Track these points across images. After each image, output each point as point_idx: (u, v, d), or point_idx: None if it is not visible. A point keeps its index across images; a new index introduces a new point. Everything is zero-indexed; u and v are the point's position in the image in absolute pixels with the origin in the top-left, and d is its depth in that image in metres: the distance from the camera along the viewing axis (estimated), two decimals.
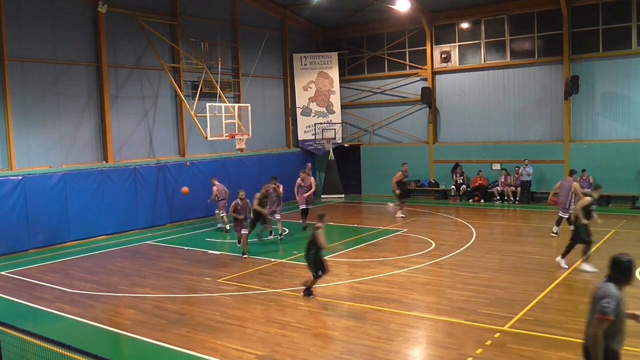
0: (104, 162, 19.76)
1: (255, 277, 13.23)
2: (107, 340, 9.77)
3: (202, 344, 9.09)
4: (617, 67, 22.61)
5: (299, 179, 19.64)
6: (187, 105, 21.06)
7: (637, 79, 22.21)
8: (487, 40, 25.38)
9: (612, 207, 22.06)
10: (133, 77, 20.97)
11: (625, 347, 8.23)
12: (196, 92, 21.56)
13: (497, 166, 24.87)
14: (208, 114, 19.85)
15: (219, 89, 21.59)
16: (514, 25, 24.72)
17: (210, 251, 16.34)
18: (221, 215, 19.70)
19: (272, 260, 14.86)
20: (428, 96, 26.14)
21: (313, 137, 27.94)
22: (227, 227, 19.31)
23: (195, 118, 20.40)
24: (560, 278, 12.26)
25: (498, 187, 24.44)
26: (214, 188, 19.84)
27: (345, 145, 28.43)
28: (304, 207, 19.46)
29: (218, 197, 19.72)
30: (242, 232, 15.61)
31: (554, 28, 23.60)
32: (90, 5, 19.33)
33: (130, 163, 20.32)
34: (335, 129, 27.86)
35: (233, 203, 16.11)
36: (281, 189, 18.28)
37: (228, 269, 14.11)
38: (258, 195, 17.14)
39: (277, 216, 18.09)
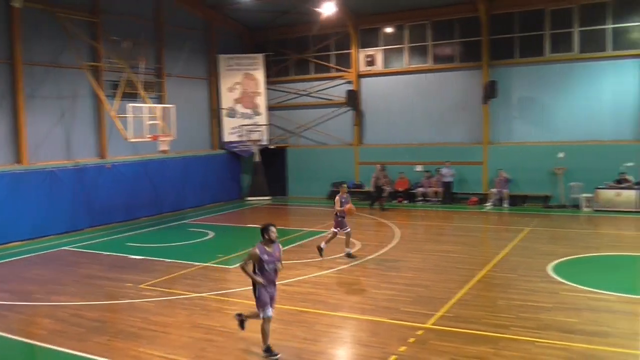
0: (18, 164, 18.85)
1: (179, 282, 12.96)
2: (21, 353, 9.30)
3: (123, 352, 8.82)
4: (532, 73, 23.73)
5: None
6: (107, 106, 20.41)
7: (550, 85, 23.42)
8: (410, 45, 26.00)
9: (527, 206, 23.06)
10: (50, 76, 20.08)
11: (534, 339, 8.64)
12: (118, 92, 20.93)
13: (419, 168, 25.48)
14: (129, 115, 19.31)
15: (140, 89, 21.06)
16: (436, 31, 25.45)
17: (131, 256, 15.87)
18: None
19: (197, 264, 14.61)
20: (353, 99, 26.50)
21: (239, 139, 27.71)
22: None
23: (115, 119, 19.79)
24: (480, 275, 12.68)
25: (421, 188, 25.05)
26: None
27: (272, 147, 28.37)
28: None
29: None
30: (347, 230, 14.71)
31: (474, 34, 24.47)
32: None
33: (47, 165, 19.46)
34: (261, 131, 27.74)
35: (337, 197, 14.77)
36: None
37: (150, 274, 13.75)
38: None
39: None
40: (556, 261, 13.74)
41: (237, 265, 8.31)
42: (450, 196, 24.49)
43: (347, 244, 14.94)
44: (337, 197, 14.92)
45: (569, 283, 11.86)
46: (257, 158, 27.46)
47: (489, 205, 23.36)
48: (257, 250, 8.36)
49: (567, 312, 10.02)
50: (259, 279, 8.33)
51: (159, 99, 23.65)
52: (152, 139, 20.18)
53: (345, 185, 15.49)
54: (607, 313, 9.97)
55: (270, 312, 8.38)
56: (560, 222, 19.87)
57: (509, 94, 24.08)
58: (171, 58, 24.77)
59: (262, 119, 28.10)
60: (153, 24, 24.08)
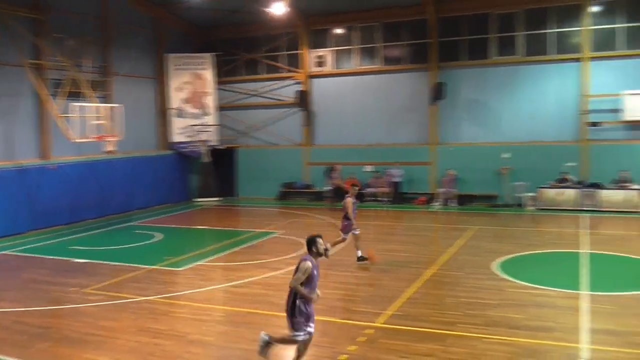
0: None
1: (125, 285, 12.67)
2: None
3: (68, 359, 8.55)
4: (479, 75, 24.30)
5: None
6: (51, 105, 19.80)
7: (496, 87, 24.03)
8: (360, 46, 26.21)
9: (474, 205, 23.56)
10: None
11: (481, 335, 8.82)
12: (62, 91, 20.32)
13: (369, 168, 25.68)
14: (74, 115, 18.79)
15: (86, 88, 20.52)
16: (385, 32, 25.73)
17: (76, 259, 15.44)
18: None
19: (144, 266, 14.33)
20: (303, 99, 26.53)
21: (187, 139, 27.33)
22: None
23: (59, 118, 19.22)
24: (428, 274, 12.86)
25: (371, 189, 25.26)
26: None
27: (221, 147, 28.10)
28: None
29: None
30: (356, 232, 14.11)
31: (423, 37, 24.86)
32: None
33: None
34: (210, 131, 27.44)
35: (349, 200, 13.99)
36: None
37: (96, 277, 13.40)
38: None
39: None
40: (502, 259, 14.07)
41: (292, 283, 7.45)
42: (399, 196, 24.78)
43: (357, 247, 14.08)
44: (347, 199, 13.96)
45: (514, 280, 12.16)
46: (206, 159, 27.15)
47: (437, 204, 23.75)
48: (310, 264, 7.52)
49: (513, 309, 10.27)
50: (313, 295, 7.61)
51: (106, 99, 23.08)
52: (97, 140, 19.69)
53: (357, 188, 14.48)
54: (550, 308, 10.26)
55: (312, 329, 7.65)
56: (506, 221, 20.38)
57: (457, 96, 24.55)
58: (118, 57, 24.23)
59: (211, 119, 27.80)
60: (99, 21, 23.50)
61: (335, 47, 26.73)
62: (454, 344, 8.66)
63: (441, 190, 23.94)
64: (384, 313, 10.15)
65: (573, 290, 11.28)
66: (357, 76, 26.34)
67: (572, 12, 22.82)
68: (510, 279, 12.30)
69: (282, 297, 11.42)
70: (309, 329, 7.60)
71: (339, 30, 26.70)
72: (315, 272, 7.59)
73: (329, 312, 10.37)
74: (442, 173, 24.23)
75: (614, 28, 22.40)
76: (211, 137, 27.49)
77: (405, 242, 17.04)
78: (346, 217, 14.10)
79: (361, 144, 26.16)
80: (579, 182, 22.34)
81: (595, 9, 22.63)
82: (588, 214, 20.91)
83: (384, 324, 9.65)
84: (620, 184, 21.64)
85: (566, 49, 23.06)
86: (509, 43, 23.80)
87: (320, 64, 26.86)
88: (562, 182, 22.42)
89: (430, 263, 13.90)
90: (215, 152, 27.60)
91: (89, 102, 20.02)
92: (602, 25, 22.56)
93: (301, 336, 7.57)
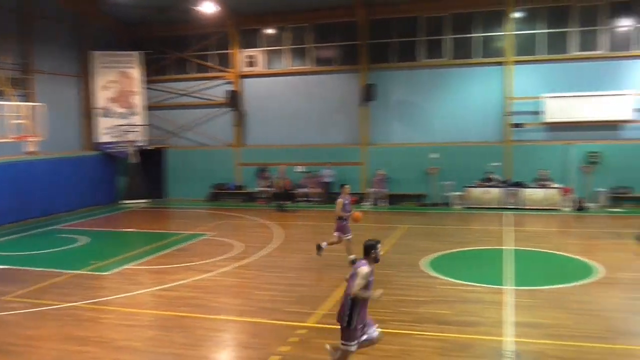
0: None
1: (48, 292, 12.15)
2: None
3: None
4: (408, 77, 24.80)
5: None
6: None
7: (424, 89, 24.61)
8: (292, 47, 26.22)
9: (404, 204, 24.01)
10: None
11: (411, 332, 8.97)
12: None
13: (300, 168, 25.73)
14: None
15: (4, 86, 19.59)
16: (316, 33, 25.84)
17: None
18: None
19: (68, 272, 13.78)
20: (234, 99, 26.29)
21: (114, 140, 26.53)
22: None
23: None
24: None
25: (303, 189, 25.31)
26: None
27: (150, 148, 27.44)
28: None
29: None
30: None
31: (353, 38, 25.12)
32: None
33: None
34: (138, 131, 26.74)
35: (340, 200, 13.71)
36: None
37: (17, 284, 12.78)
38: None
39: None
40: (431, 257, 14.39)
41: (353, 291, 6.99)
42: (330, 196, 24.91)
43: (349, 251, 13.81)
44: (339, 200, 13.76)
45: (443, 277, 12.46)
46: (133, 159, 26.43)
47: (367, 204, 24.05)
48: (369, 270, 7.12)
49: (442, 305, 10.52)
50: (373, 293, 7.21)
51: (27, 97, 22.07)
52: (18, 140, 18.81)
53: (348, 187, 14.23)
54: (476, 304, 10.56)
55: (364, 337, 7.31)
56: (434, 220, 20.88)
57: (387, 97, 24.96)
58: (40, 53, 23.23)
59: (139, 119, 27.08)
60: (18, 15, 22.46)
61: (266, 47, 26.64)
62: (386, 341, 8.75)
63: (372, 190, 24.26)
64: (316, 313, 10.17)
65: (498, 285, 11.66)
66: (288, 76, 26.34)
67: (496, 18, 23.64)
68: (440, 276, 12.59)
69: (213, 300, 11.32)
70: (362, 339, 7.28)
71: (269, 31, 26.62)
72: (372, 278, 7.22)
73: (260, 313, 10.30)
74: (372, 173, 24.57)
75: (535, 34, 23.37)
76: (139, 137, 26.79)
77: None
78: (340, 218, 13.92)
79: (293, 144, 26.18)
80: (503, 181, 23.16)
81: (517, 15, 23.53)
82: (512, 212, 21.71)
83: (316, 323, 9.67)
84: (541, 182, 22.58)
85: (491, 53, 23.87)
86: (437, 46, 24.41)
87: (251, 63, 26.69)
88: (487, 181, 23.18)
89: None
90: (143, 152, 26.90)
91: (8, 101, 19.10)
92: (524, 30, 23.48)
93: (354, 346, 7.20)
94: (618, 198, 22.43)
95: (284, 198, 23.95)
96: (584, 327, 9.20)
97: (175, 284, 12.49)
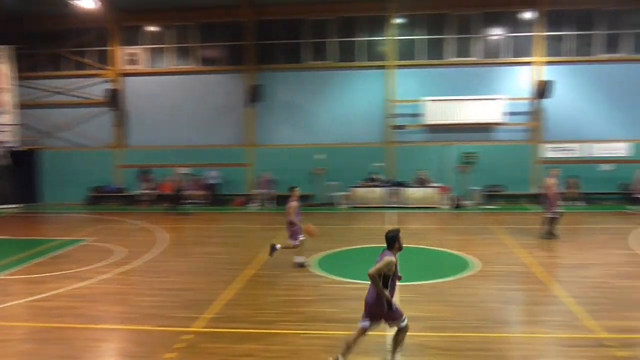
0: None
1: None
2: None
3: None
4: (294, 78, 25.01)
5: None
6: None
7: (310, 91, 24.93)
8: (176, 46, 25.58)
9: None
10: None
11: (299, 331, 9.03)
12: None
13: (185, 170, 25.17)
14: None
15: None
16: (202, 33, 25.39)
17: None
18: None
19: None
20: (114, 99, 25.24)
21: None
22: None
23: None
24: (247, 275, 12.88)
25: (187, 191, 24.71)
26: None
27: (22, 149, 25.66)
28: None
29: None
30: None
31: (240, 39, 24.95)
32: None
33: None
34: (8, 131, 24.91)
35: (292, 204, 13.47)
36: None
37: None
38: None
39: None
40: (318, 256, 14.57)
41: (373, 272, 7.20)
42: (216, 198, 24.60)
43: (299, 252, 13.59)
44: (291, 203, 13.47)
45: (329, 276, 12.64)
46: (3, 162, 24.61)
47: (254, 205, 23.95)
48: (394, 260, 7.31)
49: (329, 303, 10.66)
50: (387, 293, 7.39)
51: None
52: None
53: (298, 189, 13.99)
54: (362, 301, 10.76)
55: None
56: (321, 220, 21.11)
57: (274, 98, 25.02)
58: None
59: (9, 118, 25.22)
60: None
61: (149, 45, 25.81)
62: (274, 342, 8.76)
63: (258, 191, 24.19)
64: (203, 317, 9.96)
65: None
66: (173, 76, 25.69)
67: (379, 23, 24.41)
68: (326, 275, 12.76)
69: (94, 308, 10.76)
70: (404, 318, 7.65)
71: (153, 28, 25.83)
72: (397, 267, 7.44)
73: (144, 320, 9.93)
74: (259, 174, 24.50)
75: (415, 40, 24.37)
76: (9, 137, 24.94)
77: (223, 244, 16.92)
78: (292, 222, 13.56)
79: (177, 145, 25.55)
80: (386, 181, 23.94)
81: (399, 21, 24.42)
82: (394, 211, 22.48)
83: (202, 328, 9.47)
84: (420, 182, 23.57)
85: (374, 57, 24.62)
86: (322, 49, 24.81)
87: (132, 62, 25.75)
88: (371, 182, 23.85)
89: (248, 264, 13.95)
90: (14, 154, 25.09)
91: None
92: (405, 36, 24.41)
93: (405, 320, 7.63)
94: (491, 196, 23.94)
95: (176, 201, 23.16)
96: (462, 318, 9.68)
97: (51, 293, 11.75)
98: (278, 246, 13.69)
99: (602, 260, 13.94)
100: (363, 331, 7.68)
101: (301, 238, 13.53)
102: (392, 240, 7.52)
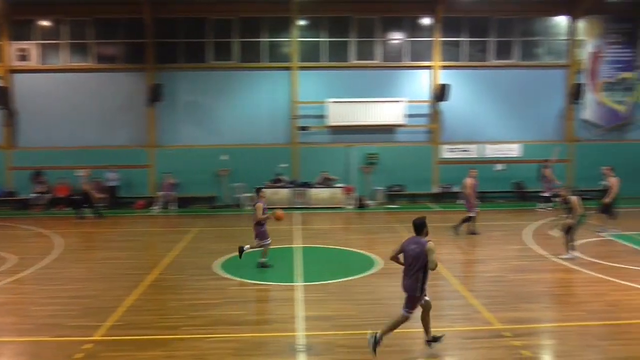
0: None
1: None
2: None
3: None
4: (197, 78, 24.60)
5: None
6: None
7: (214, 91, 24.64)
8: (71, 42, 24.42)
9: (195, 207, 23.76)
10: None
11: (204, 335, 8.87)
12: None
13: (82, 172, 24.01)
14: None
15: None
16: (98, 29, 24.38)
17: None
18: None
19: None
20: (3, 96, 23.73)
21: None
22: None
23: None
24: (150, 279, 12.50)
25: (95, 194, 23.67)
26: None
27: None
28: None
29: None
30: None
31: (139, 36, 24.19)
32: None
33: None
34: None
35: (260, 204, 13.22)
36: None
37: None
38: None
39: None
40: (223, 258, 14.38)
41: (434, 266, 7.98)
42: (115, 201, 23.72)
43: (265, 254, 13.36)
44: (259, 204, 13.16)
45: (235, 278, 12.51)
46: None
47: (156, 208, 23.30)
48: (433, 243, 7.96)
49: (235, 306, 10.53)
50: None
51: None
52: None
53: (265, 191, 14.12)
54: (269, 302, 10.81)
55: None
56: (226, 222, 20.93)
57: (176, 98, 24.46)
58: None
59: None
60: None
61: (42, 40, 24.46)
62: (179, 347, 8.55)
63: (161, 193, 23.55)
64: (104, 325, 9.55)
65: (289, 282, 12.03)
66: (68, 73, 24.47)
67: (283, 24, 24.45)
68: (232, 277, 12.62)
69: None
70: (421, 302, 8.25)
71: (45, 23, 24.48)
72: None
73: (39, 331, 9.39)
74: (161, 176, 23.85)
75: (318, 42, 24.63)
76: None
77: (123, 249, 16.31)
78: (259, 224, 13.16)
79: (73, 145, 24.37)
80: (291, 182, 24.02)
81: (302, 22, 24.58)
82: (300, 211, 22.59)
83: (103, 336, 9.08)
84: (325, 182, 23.85)
85: (278, 58, 24.64)
86: (225, 48, 24.52)
87: (23, 57, 24.31)
88: (276, 182, 23.84)
89: (151, 268, 13.53)
90: None
91: None
92: (308, 38, 24.61)
93: (414, 312, 8.19)
94: (393, 195, 24.63)
95: (87, 204, 21.87)
96: (367, 316, 9.87)
97: None
98: (246, 247, 13.48)
99: (498, 255, 14.69)
100: (405, 319, 8.17)
101: (268, 242, 13.39)
102: (422, 227, 8.10)
